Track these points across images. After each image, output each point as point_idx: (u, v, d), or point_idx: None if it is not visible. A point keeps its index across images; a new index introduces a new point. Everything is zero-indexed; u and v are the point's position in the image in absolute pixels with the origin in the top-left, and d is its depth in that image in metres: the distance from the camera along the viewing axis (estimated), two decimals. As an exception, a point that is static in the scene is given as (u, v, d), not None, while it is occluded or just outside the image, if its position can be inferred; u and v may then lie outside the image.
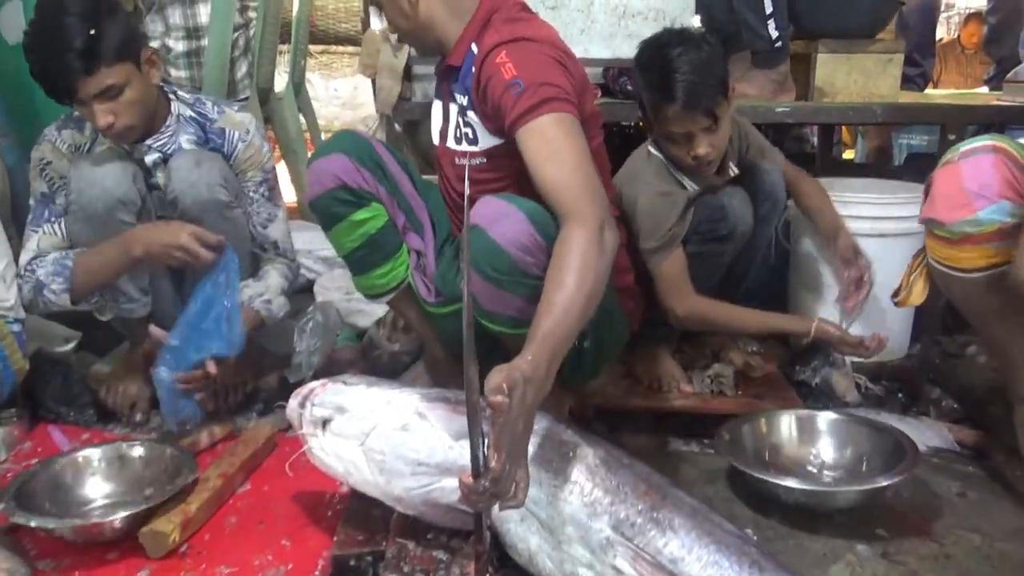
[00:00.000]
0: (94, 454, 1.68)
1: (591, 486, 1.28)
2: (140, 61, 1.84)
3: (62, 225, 1.93)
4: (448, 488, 1.34)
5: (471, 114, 1.66)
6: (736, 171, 2.05)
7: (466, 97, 1.66)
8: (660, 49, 1.89)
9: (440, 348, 1.93)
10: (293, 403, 1.53)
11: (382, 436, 1.39)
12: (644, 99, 1.93)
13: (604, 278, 1.35)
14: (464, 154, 1.71)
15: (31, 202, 1.97)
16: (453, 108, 1.72)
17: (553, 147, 1.45)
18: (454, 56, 1.67)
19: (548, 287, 1.31)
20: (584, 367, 1.75)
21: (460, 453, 1.32)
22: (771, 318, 2.05)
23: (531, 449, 1.32)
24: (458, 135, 1.72)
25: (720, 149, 1.95)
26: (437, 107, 1.80)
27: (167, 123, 1.97)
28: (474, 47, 1.63)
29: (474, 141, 1.68)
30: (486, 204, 1.51)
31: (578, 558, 1.25)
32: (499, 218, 1.47)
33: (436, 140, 1.82)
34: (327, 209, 1.73)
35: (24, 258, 1.91)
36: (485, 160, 1.68)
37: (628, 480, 1.29)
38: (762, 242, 2.12)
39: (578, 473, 1.30)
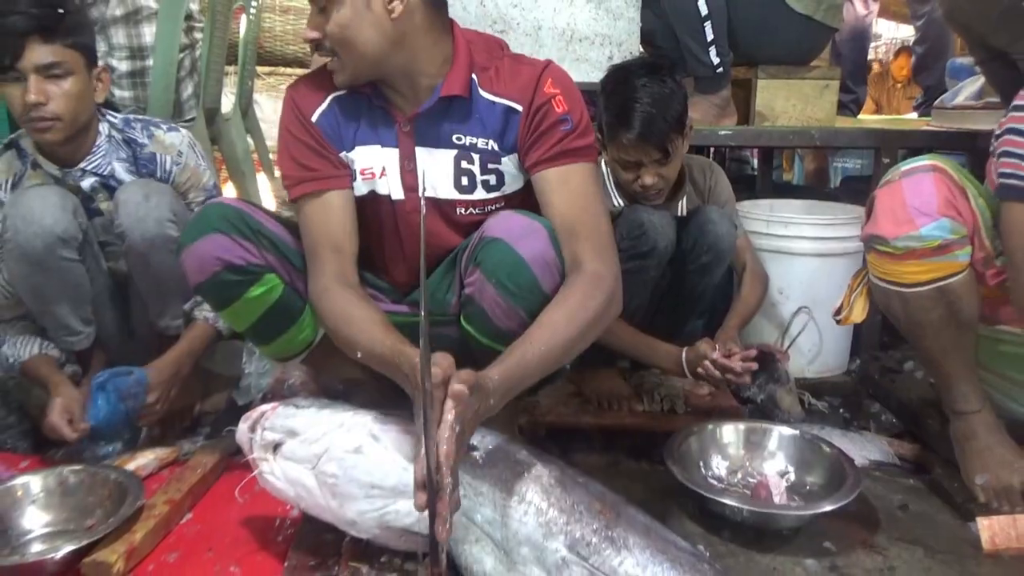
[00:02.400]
0: (34, 482, 1.62)
1: (546, 506, 1.28)
2: (93, 65, 1.82)
3: None
4: (402, 511, 1.33)
5: (508, 159, 1.56)
6: (684, 213, 2.09)
7: (493, 141, 1.55)
8: (626, 76, 1.93)
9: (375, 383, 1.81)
10: (243, 427, 1.50)
11: (335, 459, 1.38)
12: (603, 121, 1.96)
13: (596, 335, 1.40)
14: (478, 203, 1.59)
15: None
16: (445, 154, 1.56)
17: (589, 196, 1.50)
18: (452, 84, 1.50)
19: (549, 320, 1.35)
20: None
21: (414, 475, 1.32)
22: (643, 344, 2.01)
23: (485, 469, 1.33)
24: (467, 182, 1.58)
25: (668, 181, 1.99)
26: (381, 153, 1.58)
27: (97, 143, 1.90)
28: (475, 78, 1.52)
29: (497, 187, 1.59)
30: (507, 219, 1.48)
31: (534, 579, 1.25)
32: (525, 234, 1.45)
33: (388, 191, 1.59)
34: (217, 293, 1.60)
35: None
36: (503, 206, 1.60)
37: (583, 499, 1.30)
38: (701, 289, 2.09)
39: (533, 493, 1.30)
